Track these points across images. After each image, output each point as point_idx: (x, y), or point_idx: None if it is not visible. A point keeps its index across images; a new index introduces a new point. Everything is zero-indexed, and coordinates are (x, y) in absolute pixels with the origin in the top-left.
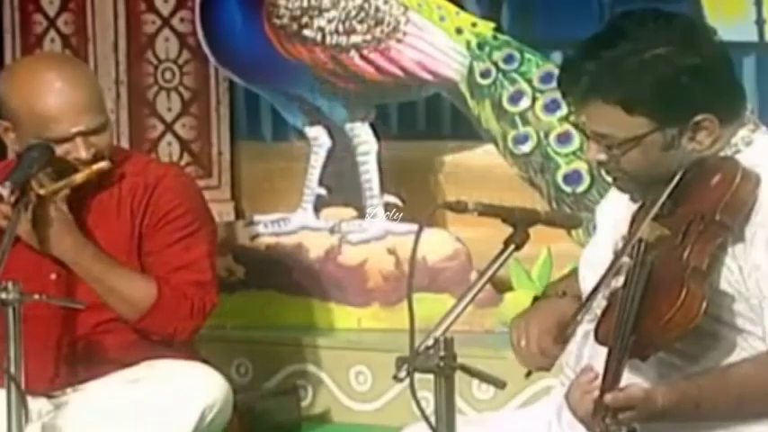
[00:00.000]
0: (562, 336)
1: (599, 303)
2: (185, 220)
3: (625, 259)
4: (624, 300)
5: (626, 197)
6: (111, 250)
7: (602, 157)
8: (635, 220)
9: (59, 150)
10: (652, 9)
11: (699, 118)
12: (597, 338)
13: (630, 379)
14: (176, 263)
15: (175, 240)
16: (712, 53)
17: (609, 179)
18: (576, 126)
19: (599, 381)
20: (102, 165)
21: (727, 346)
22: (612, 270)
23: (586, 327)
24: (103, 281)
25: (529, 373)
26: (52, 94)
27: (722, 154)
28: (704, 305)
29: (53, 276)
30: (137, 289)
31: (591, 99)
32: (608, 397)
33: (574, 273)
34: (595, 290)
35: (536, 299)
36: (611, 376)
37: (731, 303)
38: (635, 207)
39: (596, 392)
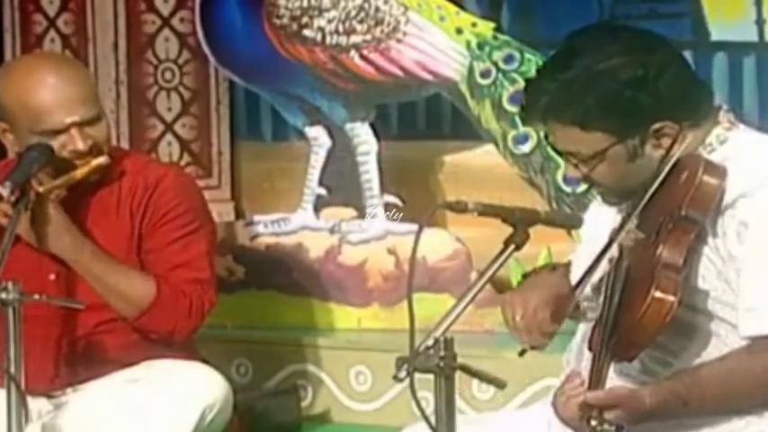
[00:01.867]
0: (560, 312)
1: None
2: (185, 219)
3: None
4: (603, 305)
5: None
6: (110, 249)
7: (578, 173)
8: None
9: (56, 143)
10: (601, 24)
11: (657, 126)
12: (589, 347)
13: (615, 379)
14: (175, 261)
15: (175, 239)
16: (660, 62)
17: None
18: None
19: (584, 386)
20: (101, 160)
21: (716, 339)
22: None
23: (585, 327)
24: (103, 279)
25: (522, 352)
26: (45, 89)
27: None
28: (676, 299)
29: (52, 276)
30: (136, 287)
31: (549, 120)
32: (589, 395)
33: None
34: (592, 268)
35: (525, 276)
36: (594, 379)
37: (719, 296)
38: (621, 217)
39: (581, 396)
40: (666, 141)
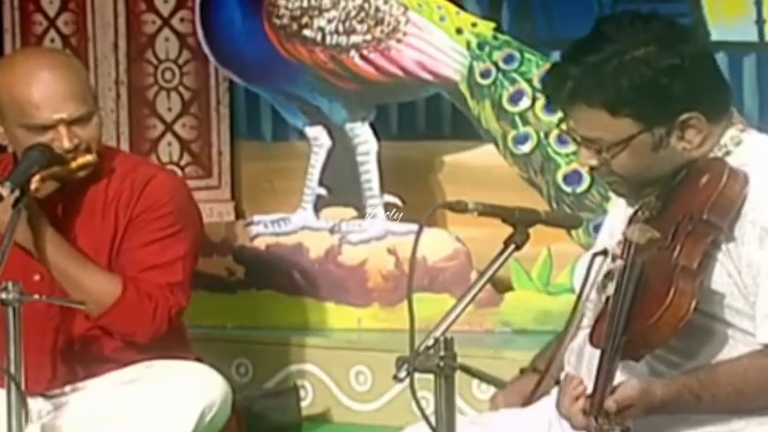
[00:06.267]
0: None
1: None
2: (165, 221)
3: (618, 263)
4: (615, 302)
5: (623, 203)
6: (93, 251)
7: (594, 162)
8: (629, 225)
9: (44, 140)
10: (632, 11)
11: (685, 116)
12: (591, 342)
13: (620, 376)
14: (149, 262)
15: (152, 240)
16: (692, 52)
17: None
18: (567, 132)
19: (585, 385)
20: (88, 158)
21: (723, 342)
22: (589, 284)
23: (588, 330)
24: (67, 273)
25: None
26: (34, 83)
27: (712, 155)
28: (693, 303)
29: (36, 278)
30: (100, 285)
31: (576, 104)
32: (608, 403)
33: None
34: (561, 342)
35: (522, 371)
36: (603, 377)
37: (728, 301)
38: (630, 212)
39: (587, 394)
40: (691, 134)
